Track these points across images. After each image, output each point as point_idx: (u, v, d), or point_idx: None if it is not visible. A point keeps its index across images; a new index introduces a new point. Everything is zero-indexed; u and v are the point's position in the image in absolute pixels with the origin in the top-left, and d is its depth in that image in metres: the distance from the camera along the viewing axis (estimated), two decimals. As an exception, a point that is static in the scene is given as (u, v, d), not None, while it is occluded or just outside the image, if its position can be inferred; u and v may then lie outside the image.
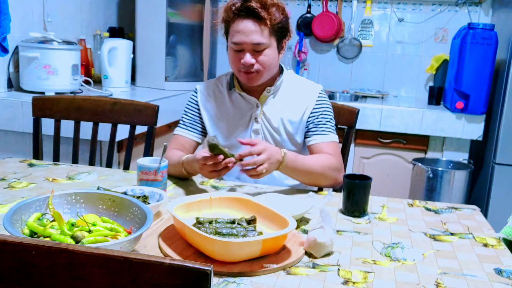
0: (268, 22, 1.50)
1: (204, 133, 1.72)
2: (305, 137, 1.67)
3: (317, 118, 1.64)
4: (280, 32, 1.55)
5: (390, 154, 3.10)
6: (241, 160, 1.37)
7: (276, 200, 1.33)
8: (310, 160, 1.55)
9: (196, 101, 1.70)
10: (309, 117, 1.64)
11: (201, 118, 1.70)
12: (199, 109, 1.70)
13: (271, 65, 1.57)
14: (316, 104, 1.65)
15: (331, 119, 1.67)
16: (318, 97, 1.66)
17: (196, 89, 1.73)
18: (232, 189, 1.53)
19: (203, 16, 3.16)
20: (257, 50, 1.53)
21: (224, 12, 1.56)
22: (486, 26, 2.80)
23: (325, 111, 1.65)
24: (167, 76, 3.03)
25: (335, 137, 1.64)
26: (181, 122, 1.71)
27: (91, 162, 1.88)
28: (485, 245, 1.21)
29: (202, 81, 2.50)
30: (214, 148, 1.34)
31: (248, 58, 1.52)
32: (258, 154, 1.37)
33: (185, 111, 1.72)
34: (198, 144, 1.71)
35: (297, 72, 3.60)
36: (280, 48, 1.58)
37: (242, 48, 1.53)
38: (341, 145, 1.83)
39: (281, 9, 1.54)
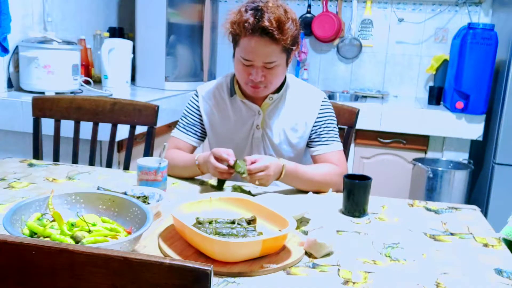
0: (282, 42, 1.47)
1: (202, 137, 1.70)
2: (308, 146, 1.66)
3: (320, 127, 1.63)
4: (291, 47, 1.52)
5: (390, 154, 3.09)
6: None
7: (276, 200, 1.33)
8: (310, 170, 1.54)
9: (198, 106, 1.68)
10: (312, 127, 1.63)
11: (201, 122, 1.68)
12: (200, 114, 1.68)
13: (279, 81, 1.58)
14: (319, 113, 1.63)
15: (334, 127, 1.65)
16: (321, 105, 1.64)
17: (197, 92, 1.70)
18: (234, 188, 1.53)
19: (203, 16, 3.15)
20: (267, 67, 1.51)
21: (234, 25, 1.49)
22: (486, 26, 2.79)
23: (328, 120, 1.64)
24: (167, 76, 3.03)
25: (338, 146, 1.64)
26: (179, 124, 1.69)
27: (91, 162, 1.88)
28: (485, 245, 1.21)
29: (203, 83, 2.49)
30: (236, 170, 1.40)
31: (257, 75, 1.51)
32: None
33: (184, 113, 1.69)
34: (195, 148, 1.69)
35: (297, 72, 3.60)
36: (288, 59, 1.56)
37: (252, 64, 1.51)
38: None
39: (294, 22, 1.50)
